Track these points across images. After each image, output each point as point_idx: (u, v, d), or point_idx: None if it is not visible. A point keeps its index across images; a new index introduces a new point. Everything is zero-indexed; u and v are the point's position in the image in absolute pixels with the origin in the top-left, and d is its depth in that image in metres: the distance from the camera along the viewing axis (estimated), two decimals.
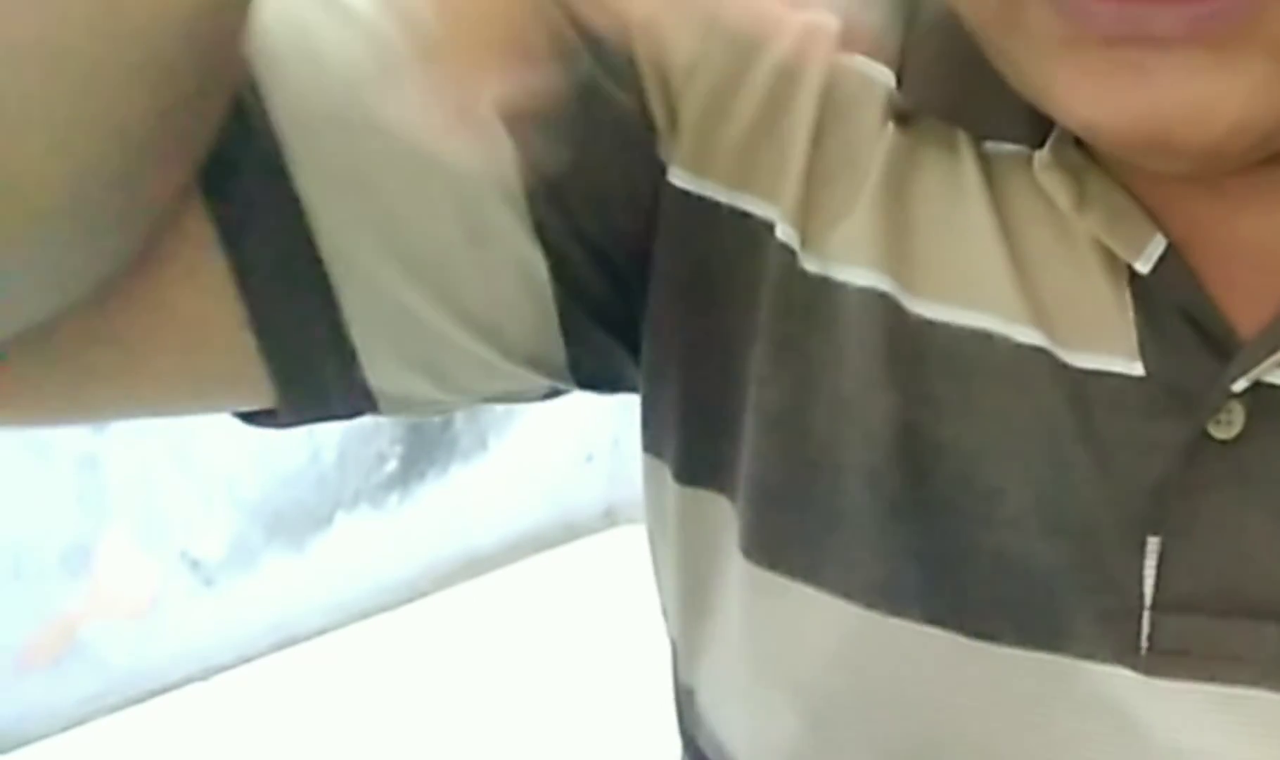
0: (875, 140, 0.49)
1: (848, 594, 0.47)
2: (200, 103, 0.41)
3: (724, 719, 0.53)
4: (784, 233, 0.49)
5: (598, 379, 0.54)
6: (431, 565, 1.70)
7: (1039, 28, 0.39)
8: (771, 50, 0.50)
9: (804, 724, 0.49)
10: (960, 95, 0.48)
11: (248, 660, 1.52)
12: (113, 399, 0.47)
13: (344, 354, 0.48)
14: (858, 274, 0.48)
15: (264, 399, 0.48)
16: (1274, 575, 0.44)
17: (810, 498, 0.48)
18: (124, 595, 1.48)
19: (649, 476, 0.54)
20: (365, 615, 1.62)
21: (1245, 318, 0.45)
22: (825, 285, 0.48)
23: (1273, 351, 0.43)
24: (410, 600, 1.67)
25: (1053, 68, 0.39)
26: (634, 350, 0.53)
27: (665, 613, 0.57)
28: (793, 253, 0.49)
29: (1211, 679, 0.44)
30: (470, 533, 1.73)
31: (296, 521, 1.59)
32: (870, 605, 0.47)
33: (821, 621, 0.48)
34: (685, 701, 0.56)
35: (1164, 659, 0.44)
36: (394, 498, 1.67)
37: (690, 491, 0.53)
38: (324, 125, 0.46)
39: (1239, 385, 0.44)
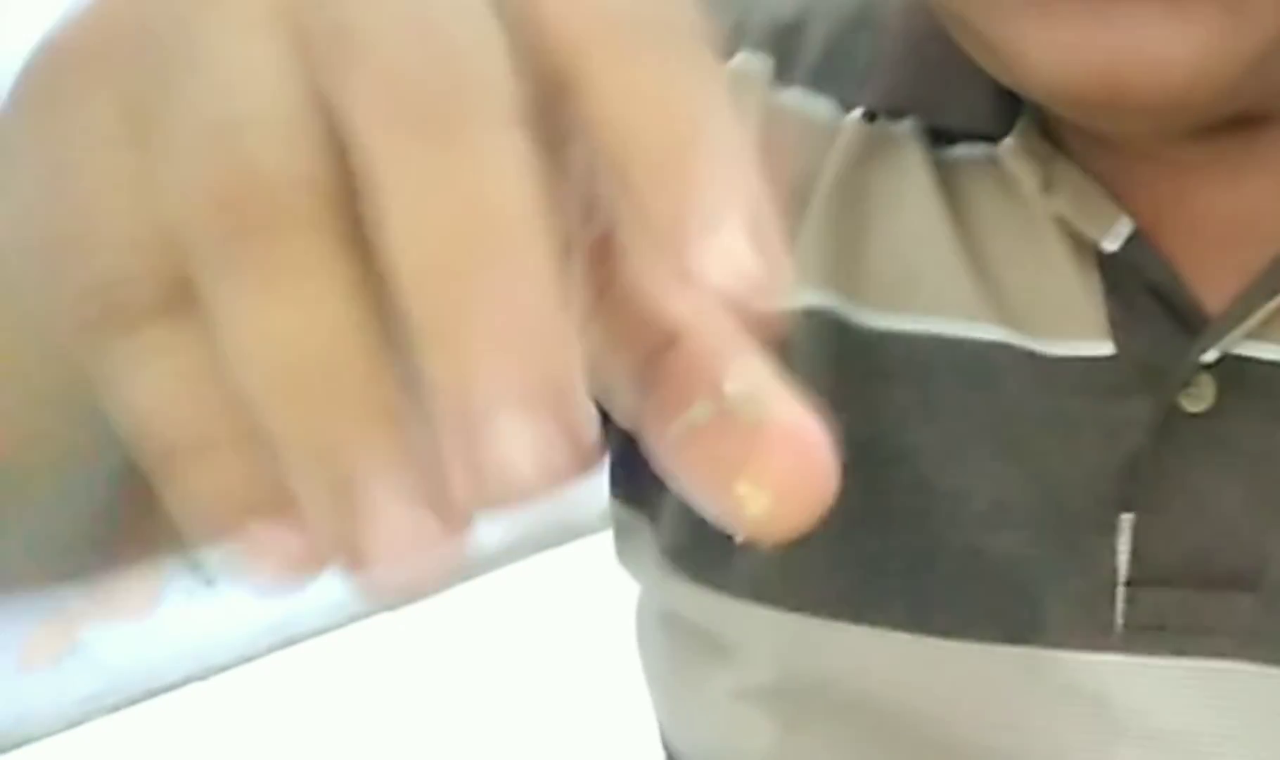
0: (818, 165, 0.49)
1: (811, 610, 0.48)
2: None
3: (693, 735, 0.53)
4: None
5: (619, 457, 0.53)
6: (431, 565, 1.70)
7: None
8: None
9: (778, 732, 0.49)
10: (927, 92, 0.48)
11: (248, 660, 1.52)
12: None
13: None
14: (804, 295, 0.48)
15: None
16: (1246, 545, 0.44)
17: None
18: (124, 595, 1.48)
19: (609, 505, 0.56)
20: (365, 615, 1.62)
21: (1214, 291, 0.45)
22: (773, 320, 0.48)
23: (1240, 322, 0.44)
24: (410, 600, 1.67)
25: (1014, 27, 0.40)
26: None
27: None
28: None
29: (1188, 652, 0.44)
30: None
31: None
32: (834, 616, 0.47)
33: (788, 638, 0.48)
34: (660, 715, 0.57)
35: (1140, 635, 0.45)
36: None
37: (625, 515, 0.53)
38: None
39: (1209, 357, 0.44)
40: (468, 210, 0.19)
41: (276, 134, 0.20)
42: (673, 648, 0.53)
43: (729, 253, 0.20)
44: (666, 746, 0.56)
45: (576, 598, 1.64)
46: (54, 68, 0.23)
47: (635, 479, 0.52)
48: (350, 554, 0.20)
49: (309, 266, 0.20)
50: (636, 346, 0.24)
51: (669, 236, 0.20)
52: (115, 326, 0.21)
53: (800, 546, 0.50)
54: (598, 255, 0.24)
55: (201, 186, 0.20)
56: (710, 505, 0.23)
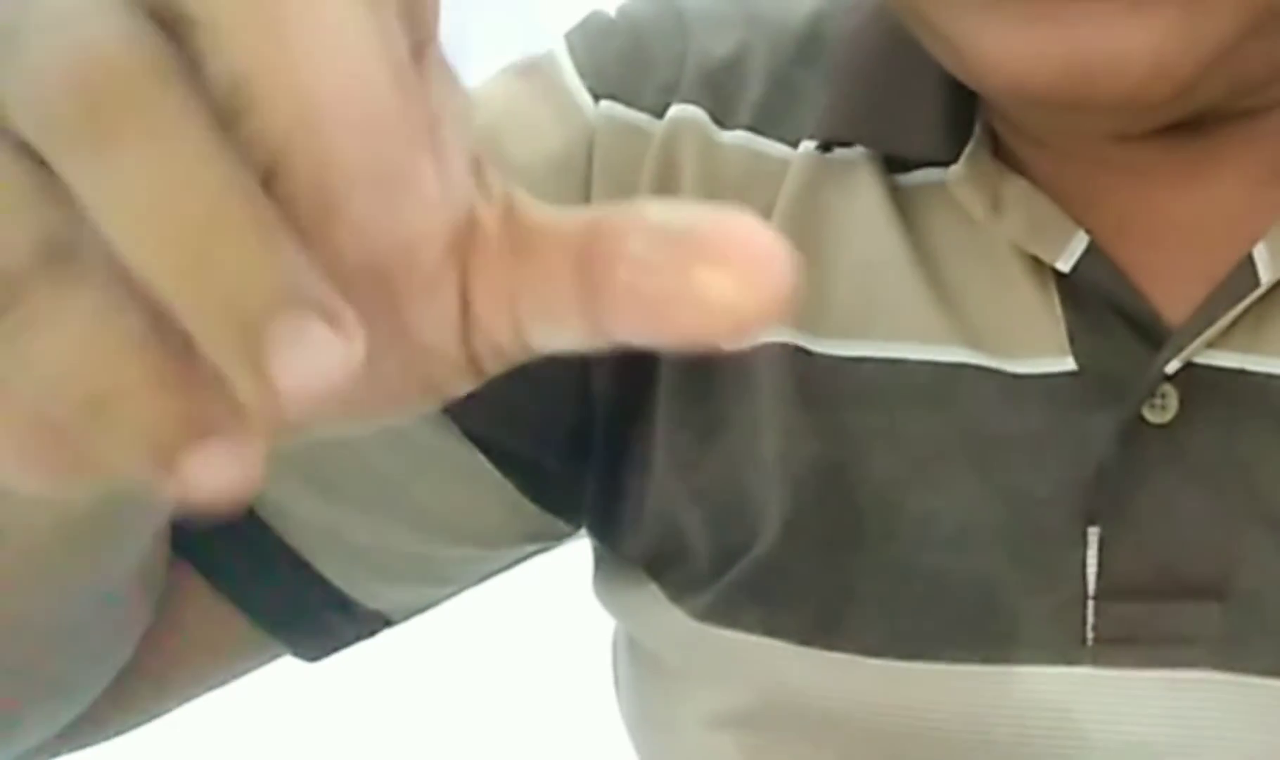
0: (770, 199, 0.49)
1: (778, 634, 0.48)
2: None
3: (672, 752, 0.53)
4: None
5: (599, 508, 0.54)
6: None
7: None
8: (654, 143, 0.50)
9: (746, 757, 0.49)
10: (875, 122, 0.48)
11: None
12: (138, 716, 0.52)
13: (342, 604, 0.52)
14: (763, 332, 0.48)
15: (285, 655, 0.54)
16: (1214, 554, 0.44)
17: (735, 553, 0.48)
18: None
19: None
20: None
21: (1174, 301, 0.45)
22: (735, 354, 0.48)
23: (1201, 332, 0.44)
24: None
25: (975, 25, 0.40)
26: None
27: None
28: None
29: (1158, 663, 0.44)
30: None
31: None
32: (803, 642, 0.47)
33: (756, 663, 0.48)
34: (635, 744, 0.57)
35: (1111, 648, 0.45)
36: None
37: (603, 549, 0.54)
38: None
39: (1171, 367, 0.44)
40: None
41: (102, 14, 0.21)
42: (642, 680, 0.54)
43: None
44: None
45: (576, 598, 1.64)
46: None
47: (611, 512, 0.52)
48: (272, 412, 0.21)
49: (164, 129, 0.20)
50: (553, 280, 0.24)
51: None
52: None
53: (771, 572, 0.51)
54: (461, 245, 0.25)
55: (43, 82, 0.20)
56: (675, 325, 0.23)
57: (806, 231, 0.48)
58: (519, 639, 1.69)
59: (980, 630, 0.46)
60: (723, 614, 0.48)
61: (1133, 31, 0.39)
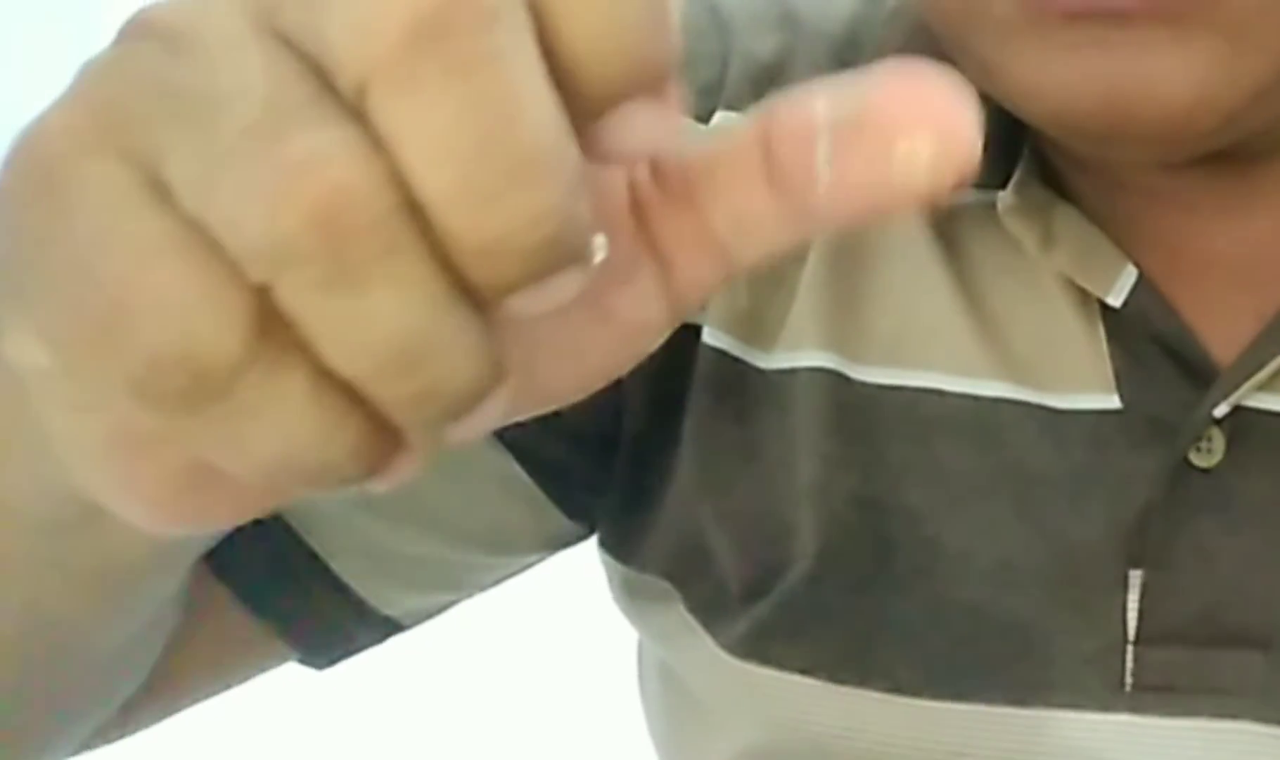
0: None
1: (810, 671, 0.47)
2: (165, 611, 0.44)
3: None
4: (713, 338, 0.49)
5: (614, 518, 0.54)
6: None
7: (1001, 11, 0.39)
8: None
9: None
10: None
11: None
12: (153, 718, 0.52)
13: (357, 608, 0.51)
14: (802, 357, 0.48)
15: (290, 661, 0.53)
16: (1257, 603, 0.43)
17: (770, 587, 0.48)
18: None
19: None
20: None
21: (1222, 340, 0.44)
22: (773, 378, 0.48)
23: (1251, 375, 0.43)
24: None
25: (1016, 51, 0.40)
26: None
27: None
28: (732, 357, 0.49)
29: (1196, 712, 0.43)
30: None
31: None
32: (835, 680, 0.47)
33: (786, 700, 0.47)
34: None
35: (1149, 696, 0.44)
36: None
37: (631, 572, 0.53)
38: None
39: (1219, 411, 0.43)
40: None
41: (334, 141, 0.20)
42: (671, 703, 0.53)
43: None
44: None
45: (576, 598, 1.64)
46: (39, 155, 0.22)
47: (630, 523, 0.52)
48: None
49: (408, 274, 0.21)
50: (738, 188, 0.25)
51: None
52: (206, 392, 0.21)
53: (804, 602, 0.50)
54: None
55: (271, 207, 0.20)
56: (880, 203, 0.23)
57: (849, 253, 0.48)
58: (533, 643, 1.69)
59: (1015, 672, 0.45)
60: (754, 648, 0.48)
61: (1175, 62, 0.38)
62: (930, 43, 0.46)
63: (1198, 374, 0.44)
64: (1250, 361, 0.43)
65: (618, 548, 0.53)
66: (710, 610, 0.49)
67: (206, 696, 0.52)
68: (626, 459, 0.51)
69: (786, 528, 0.47)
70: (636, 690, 0.58)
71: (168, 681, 0.49)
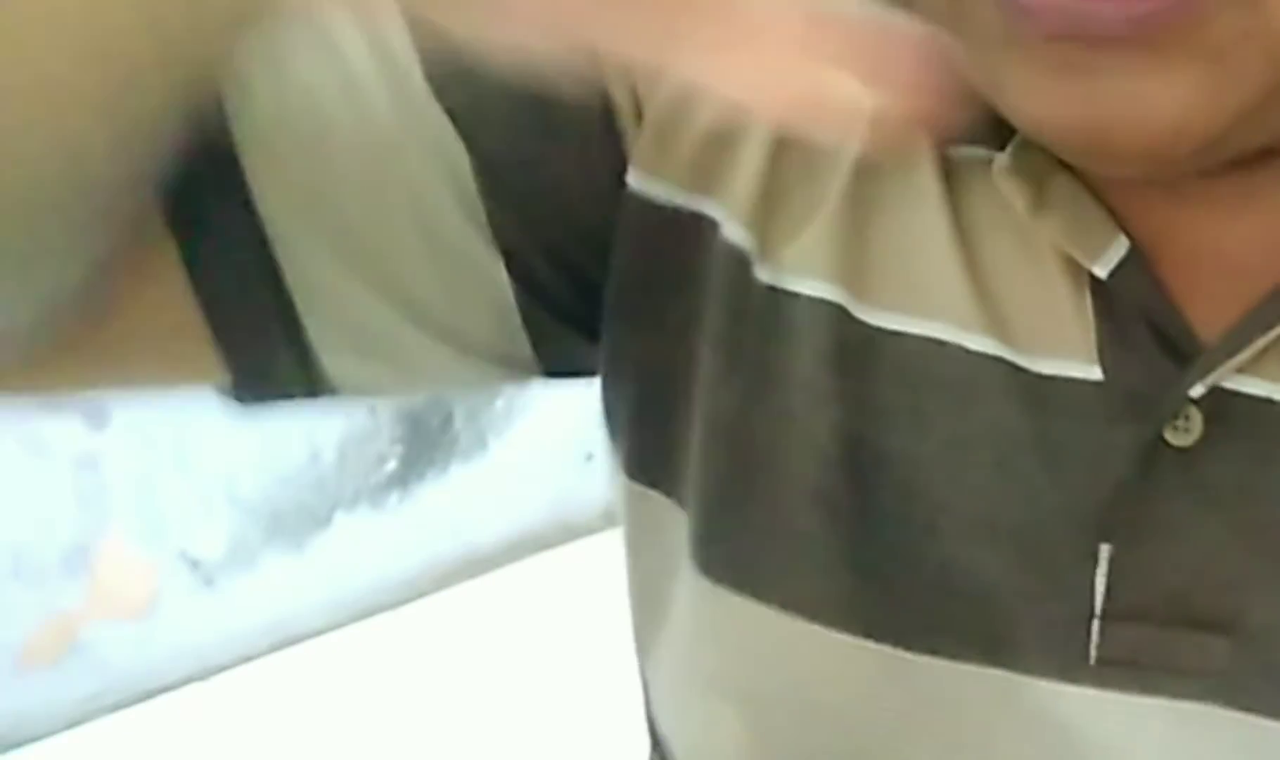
0: (838, 150, 0.48)
1: (787, 606, 0.47)
2: (166, 120, 0.41)
3: (671, 721, 0.53)
4: (733, 233, 0.49)
5: (564, 370, 0.54)
6: (431, 565, 1.70)
7: (984, 25, 0.39)
8: None
9: (747, 733, 0.49)
10: None
11: (247, 660, 1.52)
12: (74, 382, 0.49)
13: (300, 349, 0.49)
14: (811, 285, 0.48)
15: (223, 383, 0.50)
16: (1225, 588, 0.43)
17: (752, 509, 0.48)
18: (124, 595, 1.48)
19: (610, 464, 0.55)
20: (365, 615, 1.62)
21: (1207, 322, 0.44)
22: (779, 296, 0.48)
23: (1232, 356, 0.43)
24: (410, 600, 1.66)
25: (998, 65, 0.40)
26: (598, 340, 0.53)
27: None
28: (744, 257, 0.49)
29: (1159, 691, 0.43)
30: (470, 533, 1.73)
31: (296, 521, 1.59)
32: (811, 617, 0.47)
33: (763, 634, 0.47)
34: (646, 696, 0.56)
35: (1113, 670, 0.44)
36: (394, 497, 1.67)
37: (638, 489, 0.53)
38: (283, 142, 0.46)
39: (1197, 390, 0.43)
40: None
41: None
42: (647, 621, 0.53)
43: None
44: (653, 732, 0.56)
45: (576, 598, 1.64)
46: None
47: (658, 456, 0.52)
48: None
49: None
50: None
51: None
52: None
53: (787, 531, 0.50)
54: None
55: None
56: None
57: (865, 194, 0.48)
58: (533, 643, 1.70)
59: (984, 631, 0.45)
60: (734, 575, 0.48)
61: (1156, 88, 0.38)
62: None
63: (1181, 352, 0.44)
64: (1232, 342, 0.43)
65: (643, 470, 0.53)
66: (690, 508, 0.49)
67: (117, 375, 0.50)
68: (616, 316, 0.52)
69: (764, 444, 0.48)
70: (636, 689, 0.58)
71: (92, 333, 0.47)
